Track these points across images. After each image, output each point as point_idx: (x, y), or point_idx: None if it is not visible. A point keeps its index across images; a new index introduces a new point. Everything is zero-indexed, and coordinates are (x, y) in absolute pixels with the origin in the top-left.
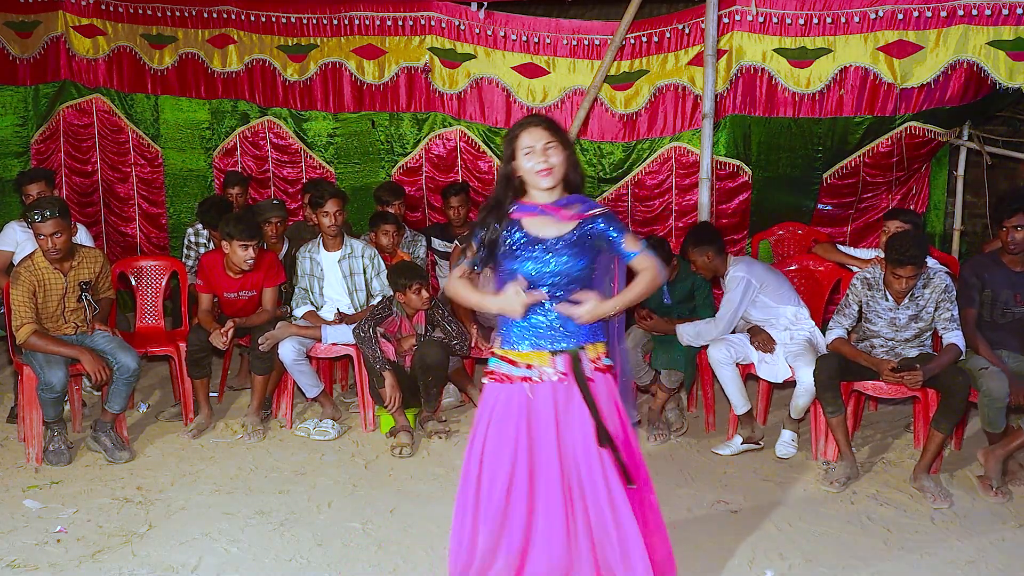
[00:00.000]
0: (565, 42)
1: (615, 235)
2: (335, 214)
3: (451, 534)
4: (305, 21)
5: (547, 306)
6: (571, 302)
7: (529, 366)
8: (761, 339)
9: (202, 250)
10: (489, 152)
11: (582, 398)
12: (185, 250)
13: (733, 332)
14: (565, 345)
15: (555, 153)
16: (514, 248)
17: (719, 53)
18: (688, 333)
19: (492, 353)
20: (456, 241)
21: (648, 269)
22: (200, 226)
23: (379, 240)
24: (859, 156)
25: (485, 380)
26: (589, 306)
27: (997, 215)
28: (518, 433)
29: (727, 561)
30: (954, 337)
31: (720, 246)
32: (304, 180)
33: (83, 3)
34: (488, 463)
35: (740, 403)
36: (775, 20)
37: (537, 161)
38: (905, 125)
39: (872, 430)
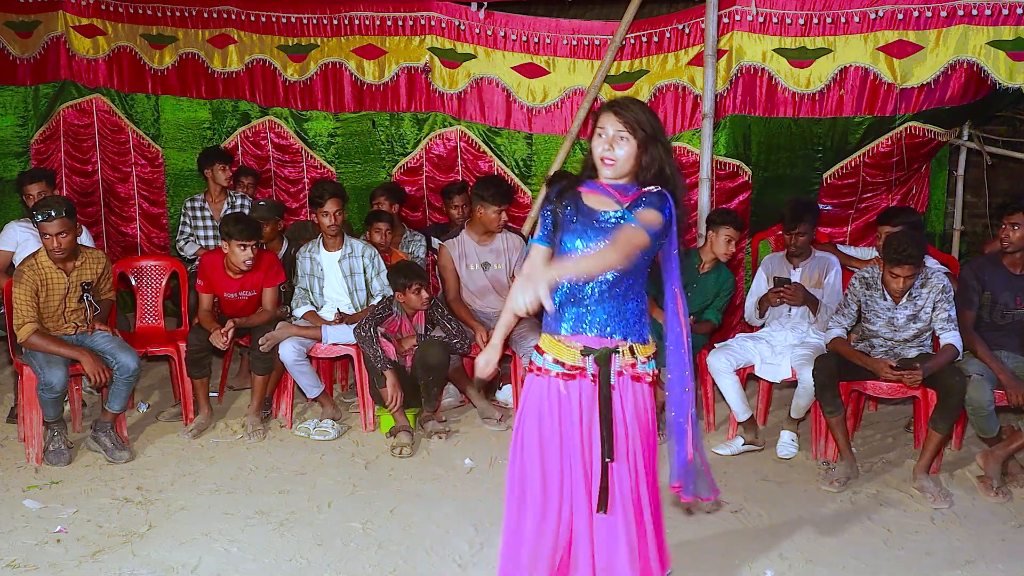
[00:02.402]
0: (565, 42)
1: (642, 206)
2: (335, 214)
3: (503, 530)
4: (305, 21)
5: (588, 292)
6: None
7: (558, 360)
8: (785, 291)
9: (198, 220)
10: (489, 152)
11: (598, 402)
12: (182, 216)
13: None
14: (599, 334)
15: (623, 145)
16: (568, 218)
17: (719, 53)
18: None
19: (537, 348)
20: (439, 241)
21: (615, 240)
22: (197, 196)
23: (372, 238)
24: (859, 156)
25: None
26: (515, 286)
27: (1000, 211)
28: (552, 427)
29: (727, 561)
30: (951, 337)
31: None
32: (305, 180)
33: (83, 3)
34: (527, 458)
35: (741, 410)
36: (775, 20)
37: (604, 148)
38: (905, 125)
39: (872, 430)
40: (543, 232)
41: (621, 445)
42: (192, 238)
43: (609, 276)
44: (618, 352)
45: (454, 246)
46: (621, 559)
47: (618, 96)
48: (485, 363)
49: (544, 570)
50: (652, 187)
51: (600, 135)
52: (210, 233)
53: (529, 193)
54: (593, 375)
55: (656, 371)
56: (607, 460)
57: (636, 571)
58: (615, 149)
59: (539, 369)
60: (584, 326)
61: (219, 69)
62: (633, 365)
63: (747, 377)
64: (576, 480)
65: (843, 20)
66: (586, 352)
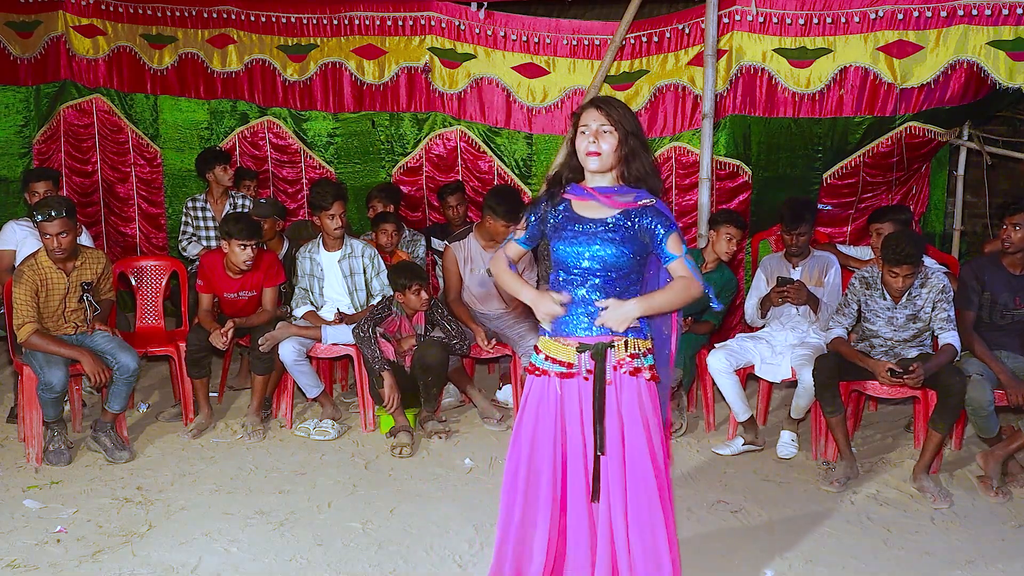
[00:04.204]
0: (565, 42)
1: (661, 232)
2: (340, 215)
3: (497, 530)
4: (305, 21)
5: (586, 291)
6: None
7: (555, 360)
8: (788, 291)
9: (199, 220)
10: (489, 152)
11: (592, 398)
12: (183, 217)
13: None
14: (597, 331)
15: (608, 138)
16: (556, 226)
17: (719, 53)
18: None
19: (536, 349)
20: (446, 242)
21: (683, 278)
22: (198, 196)
23: (378, 239)
24: (859, 156)
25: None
26: (610, 308)
27: (1001, 211)
28: (553, 428)
29: (727, 561)
30: (950, 337)
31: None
32: (304, 180)
33: (83, 3)
34: (523, 457)
35: (741, 410)
36: (775, 20)
37: (588, 142)
38: (905, 125)
39: (872, 430)
40: (527, 235)
41: (614, 439)
42: (194, 238)
43: (597, 280)
44: (613, 347)
45: (460, 248)
46: (623, 554)
47: (618, 96)
48: (553, 301)
49: (535, 570)
50: (646, 200)
51: (583, 132)
52: (212, 234)
53: (529, 193)
54: (588, 371)
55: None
56: (599, 454)
57: (665, 563)
58: (600, 142)
59: (537, 369)
60: (581, 325)
61: (218, 69)
62: (633, 357)
63: (747, 377)
64: (577, 477)
65: (843, 20)
66: (581, 349)
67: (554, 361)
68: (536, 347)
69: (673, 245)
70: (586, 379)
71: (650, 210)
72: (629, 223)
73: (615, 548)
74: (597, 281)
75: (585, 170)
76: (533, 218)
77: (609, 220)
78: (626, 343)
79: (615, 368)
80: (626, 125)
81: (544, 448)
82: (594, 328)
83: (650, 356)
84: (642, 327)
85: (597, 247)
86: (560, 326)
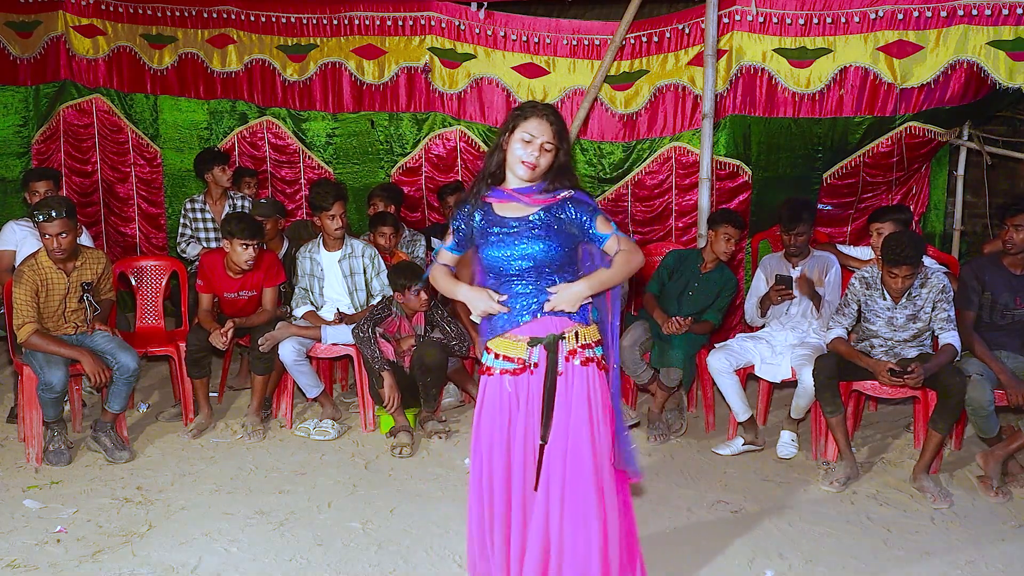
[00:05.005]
0: (565, 42)
1: (586, 219)
2: (341, 215)
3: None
4: (305, 21)
5: (522, 286)
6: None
7: (507, 357)
8: (799, 282)
9: (198, 221)
10: None
11: (542, 389)
12: (181, 218)
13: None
14: (545, 325)
15: (547, 156)
16: (481, 232)
17: (719, 53)
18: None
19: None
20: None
21: (622, 252)
22: (197, 197)
23: (376, 241)
24: (859, 156)
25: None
26: (559, 291)
27: (1001, 213)
28: (500, 427)
29: (727, 561)
30: (950, 337)
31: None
32: (302, 180)
33: (83, 3)
34: (476, 459)
35: (741, 410)
36: (775, 20)
37: (528, 153)
38: (905, 125)
39: (872, 430)
40: (454, 241)
41: (559, 430)
42: (193, 240)
43: (531, 278)
44: (564, 338)
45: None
46: (578, 543)
47: (618, 96)
48: (487, 296)
49: (497, 567)
50: (564, 193)
51: (526, 139)
52: (211, 235)
53: None
54: (535, 364)
55: (603, 356)
56: (542, 443)
57: (594, 555)
58: (540, 158)
59: (488, 370)
60: (524, 317)
61: (218, 69)
62: (584, 347)
63: (747, 377)
64: (520, 468)
65: (843, 20)
66: (533, 342)
67: (506, 359)
68: (487, 347)
69: (602, 225)
70: (532, 372)
71: (570, 201)
72: (552, 217)
73: (548, 538)
74: (531, 279)
75: (509, 171)
76: (459, 223)
77: (531, 217)
78: (577, 334)
79: (567, 358)
80: (566, 140)
81: (499, 447)
82: (540, 315)
83: (600, 347)
84: (584, 313)
85: (524, 245)
86: (505, 322)
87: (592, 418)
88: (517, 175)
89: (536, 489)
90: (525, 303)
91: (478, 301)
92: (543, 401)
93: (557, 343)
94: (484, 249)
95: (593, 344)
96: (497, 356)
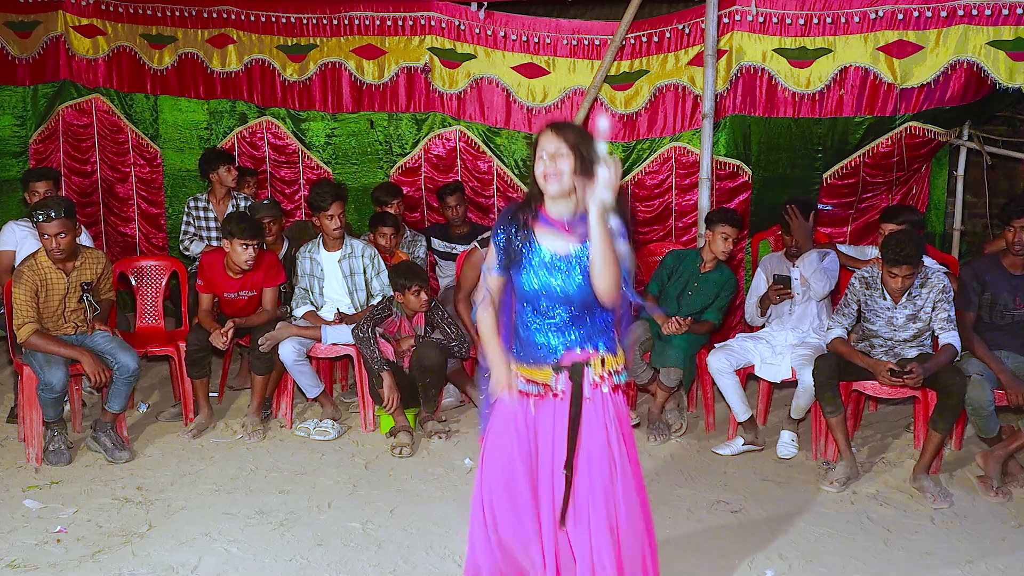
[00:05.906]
0: (565, 42)
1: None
2: (340, 215)
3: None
4: (305, 21)
5: (556, 321)
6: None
7: (531, 381)
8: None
9: (202, 220)
10: (489, 152)
11: (568, 418)
12: (184, 216)
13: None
14: (572, 347)
15: (563, 161)
16: (520, 254)
17: (719, 53)
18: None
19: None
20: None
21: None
22: (200, 196)
23: (377, 241)
24: (859, 156)
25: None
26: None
27: (1005, 214)
28: (524, 450)
29: (727, 561)
30: (950, 338)
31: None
32: (301, 181)
33: (83, 3)
34: (487, 477)
35: (741, 410)
36: (775, 20)
37: (545, 166)
38: (905, 125)
39: (872, 430)
40: (499, 260)
41: (591, 457)
42: (196, 238)
43: (563, 312)
44: (589, 365)
45: None
46: (607, 568)
47: (618, 96)
48: (508, 376)
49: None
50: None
51: (541, 156)
52: (214, 235)
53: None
54: (562, 391)
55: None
56: (565, 472)
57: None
58: (557, 163)
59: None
60: (556, 347)
61: (218, 69)
62: (609, 375)
63: (747, 377)
64: (547, 497)
65: (843, 20)
66: (557, 369)
67: (530, 382)
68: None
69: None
70: (557, 397)
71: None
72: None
73: (594, 566)
74: (563, 313)
75: (545, 196)
76: (500, 241)
77: (572, 256)
78: (602, 360)
79: (593, 386)
80: (583, 149)
81: (523, 472)
82: (566, 346)
83: (624, 373)
84: (613, 342)
85: (569, 279)
86: (539, 356)
87: (626, 440)
88: (550, 194)
89: (563, 526)
90: (560, 338)
91: (500, 375)
92: (568, 429)
93: (582, 370)
94: (520, 274)
95: (615, 372)
96: (518, 376)
